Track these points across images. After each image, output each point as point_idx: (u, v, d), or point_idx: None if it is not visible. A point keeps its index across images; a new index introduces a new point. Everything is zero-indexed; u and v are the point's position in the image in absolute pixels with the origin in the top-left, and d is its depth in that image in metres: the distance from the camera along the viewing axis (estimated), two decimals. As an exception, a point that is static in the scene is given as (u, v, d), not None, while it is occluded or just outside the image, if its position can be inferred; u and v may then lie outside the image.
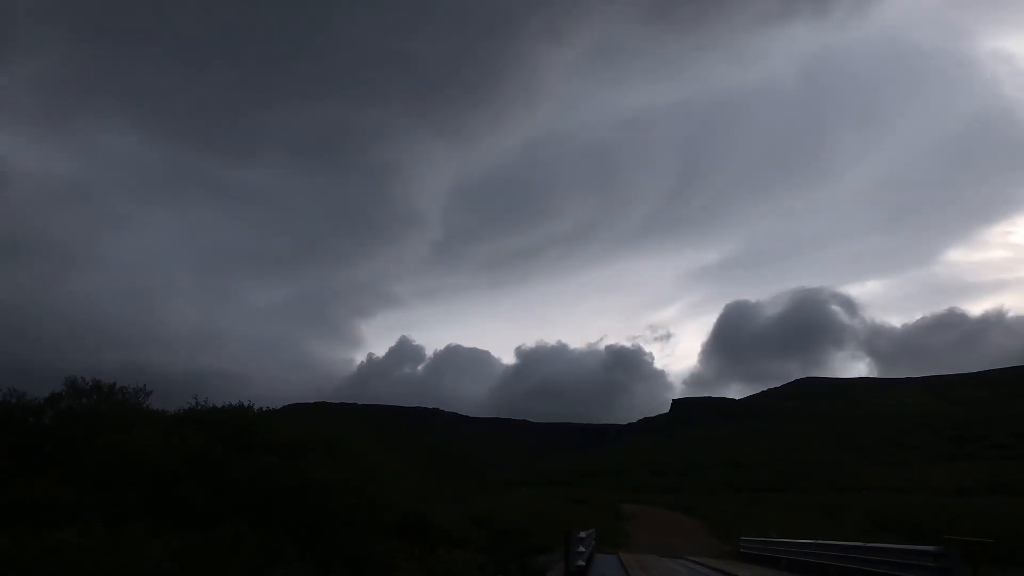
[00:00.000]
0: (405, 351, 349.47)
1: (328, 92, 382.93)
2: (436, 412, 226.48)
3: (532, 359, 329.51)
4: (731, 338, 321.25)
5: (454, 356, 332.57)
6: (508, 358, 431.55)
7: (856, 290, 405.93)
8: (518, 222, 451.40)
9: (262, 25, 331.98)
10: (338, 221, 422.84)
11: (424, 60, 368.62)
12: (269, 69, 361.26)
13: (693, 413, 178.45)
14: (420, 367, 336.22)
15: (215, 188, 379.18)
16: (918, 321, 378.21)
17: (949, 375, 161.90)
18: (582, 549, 18.85)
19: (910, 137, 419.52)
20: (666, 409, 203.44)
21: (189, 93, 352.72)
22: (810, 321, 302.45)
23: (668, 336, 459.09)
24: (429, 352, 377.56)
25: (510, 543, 21.99)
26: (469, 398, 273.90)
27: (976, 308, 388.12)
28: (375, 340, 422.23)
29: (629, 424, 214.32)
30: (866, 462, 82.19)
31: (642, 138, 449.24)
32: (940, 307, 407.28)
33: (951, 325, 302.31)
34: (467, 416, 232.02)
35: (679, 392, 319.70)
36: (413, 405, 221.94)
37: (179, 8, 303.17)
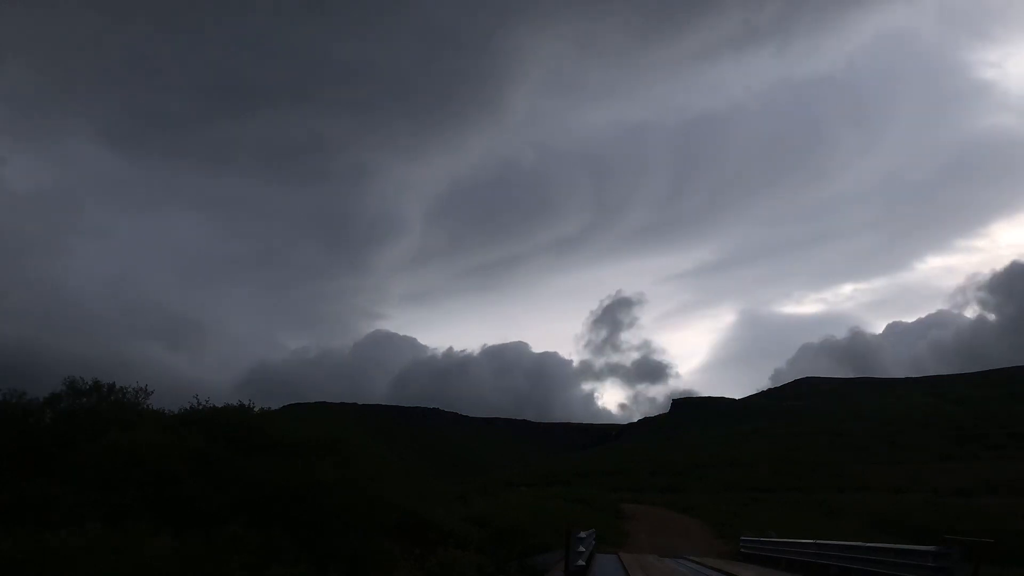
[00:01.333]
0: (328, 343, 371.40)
1: (308, 103, 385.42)
2: (436, 412, 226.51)
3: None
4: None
5: (379, 339, 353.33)
6: (437, 350, 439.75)
7: (829, 294, 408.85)
8: (492, 232, 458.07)
9: (246, 38, 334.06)
10: (308, 228, 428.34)
11: (400, 69, 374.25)
12: (248, 81, 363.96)
13: (693, 413, 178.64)
14: (340, 355, 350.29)
15: (189, 196, 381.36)
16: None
17: (949, 375, 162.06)
18: (582, 549, 18.85)
19: (893, 150, 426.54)
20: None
21: (165, 102, 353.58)
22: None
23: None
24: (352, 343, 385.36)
25: (510, 543, 21.98)
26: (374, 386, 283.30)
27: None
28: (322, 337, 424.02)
29: (629, 424, 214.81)
30: (866, 462, 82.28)
31: (613, 153, 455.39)
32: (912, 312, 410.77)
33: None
34: (467, 416, 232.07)
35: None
36: (413, 405, 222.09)
37: (152, 19, 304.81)
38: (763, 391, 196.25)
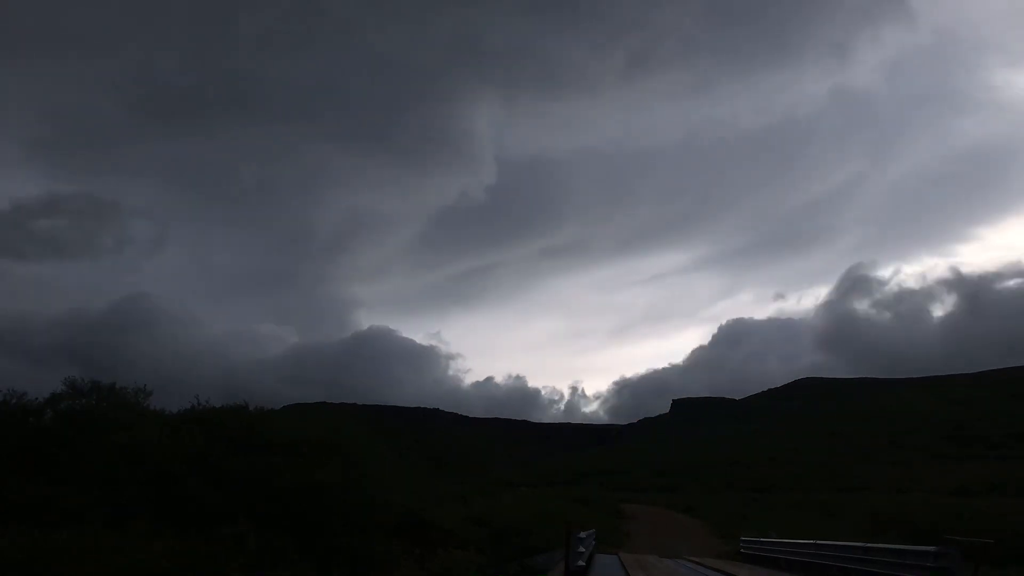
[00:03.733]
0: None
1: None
2: (436, 412, 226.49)
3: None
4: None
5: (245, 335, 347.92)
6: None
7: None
8: (472, 239, 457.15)
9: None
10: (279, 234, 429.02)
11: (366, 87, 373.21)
12: (209, 98, 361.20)
13: (693, 413, 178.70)
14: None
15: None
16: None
17: (949, 375, 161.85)
18: (582, 549, 18.85)
19: (889, 164, 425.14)
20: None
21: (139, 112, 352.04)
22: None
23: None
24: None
25: (510, 543, 22.00)
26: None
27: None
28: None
29: (629, 424, 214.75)
30: (866, 462, 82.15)
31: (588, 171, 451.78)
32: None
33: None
34: (467, 416, 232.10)
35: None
36: (413, 405, 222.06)
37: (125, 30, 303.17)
38: (763, 391, 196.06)
